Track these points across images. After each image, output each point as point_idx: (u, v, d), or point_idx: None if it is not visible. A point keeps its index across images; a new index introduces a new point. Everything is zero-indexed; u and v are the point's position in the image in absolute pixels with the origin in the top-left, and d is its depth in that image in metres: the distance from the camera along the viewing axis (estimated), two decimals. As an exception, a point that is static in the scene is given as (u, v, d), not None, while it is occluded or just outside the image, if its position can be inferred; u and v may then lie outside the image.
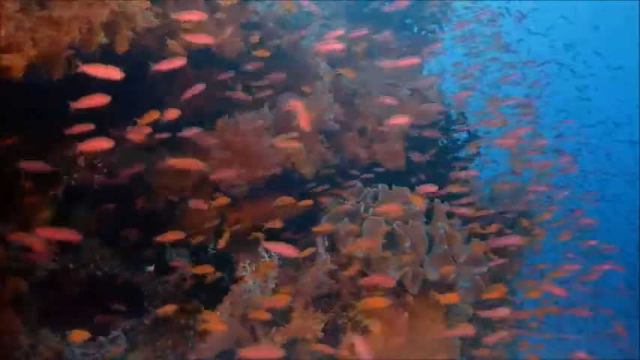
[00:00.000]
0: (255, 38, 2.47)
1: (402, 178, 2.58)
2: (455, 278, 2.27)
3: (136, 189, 2.20)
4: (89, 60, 1.92)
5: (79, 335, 1.55)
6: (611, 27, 15.70)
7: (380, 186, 2.48)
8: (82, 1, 1.70)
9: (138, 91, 2.24)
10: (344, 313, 2.16)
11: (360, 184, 2.50)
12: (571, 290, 2.79)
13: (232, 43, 2.52)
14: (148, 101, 2.06)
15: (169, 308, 1.75)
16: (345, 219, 2.27)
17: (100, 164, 2.16)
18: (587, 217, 3.66)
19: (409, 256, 2.19)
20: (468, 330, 2.01)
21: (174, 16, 1.99)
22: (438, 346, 2.27)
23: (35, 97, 1.97)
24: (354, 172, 2.50)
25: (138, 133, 1.90)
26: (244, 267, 1.78)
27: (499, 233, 2.72)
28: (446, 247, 2.29)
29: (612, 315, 4.96)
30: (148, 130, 1.94)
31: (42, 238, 1.63)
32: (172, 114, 1.84)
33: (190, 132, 2.12)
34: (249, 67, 2.50)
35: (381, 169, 2.70)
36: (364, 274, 2.19)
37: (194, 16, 2.02)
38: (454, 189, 2.61)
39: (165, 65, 1.89)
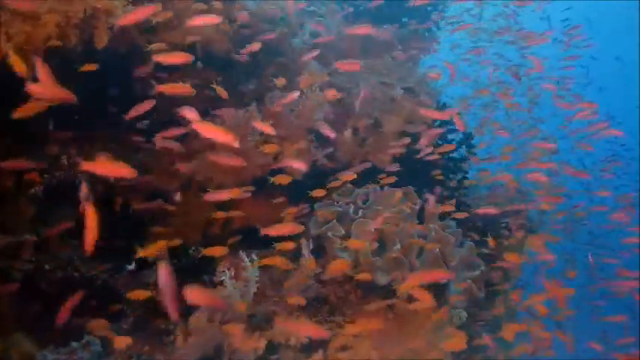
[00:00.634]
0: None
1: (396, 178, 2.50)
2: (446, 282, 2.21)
3: (121, 188, 2.15)
4: (69, 55, 1.88)
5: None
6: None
7: (371, 187, 2.42)
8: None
9: (120, 89, 2.19)
10: (331, 318, 2.10)
11: (350, 185, 2.43)
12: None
13: (221, 40, 2.47)
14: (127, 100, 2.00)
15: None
16: (334, 221, 2.21)
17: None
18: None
19: (399, 259, 2.13)
20: (458, 344, 1.95)
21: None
22: (428, 351, 2.21)
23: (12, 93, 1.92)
24: (346, 172, 2.43)
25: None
26: (223, 271, 1.72)
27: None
28: (437, 250, 2.22)
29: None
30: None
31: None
32: (147, 105, 1.78)
33: (175, 131, 2.07)
34: (239, 62, 2.45)
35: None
36: (352, 278, 2.13)
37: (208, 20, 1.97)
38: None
39: (166, 58, 1.83)
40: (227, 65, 2.50)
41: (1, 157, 1.89)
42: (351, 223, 2.20)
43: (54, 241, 1.90)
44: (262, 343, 1.84)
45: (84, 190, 1.51)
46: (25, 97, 1.54)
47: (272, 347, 1.86)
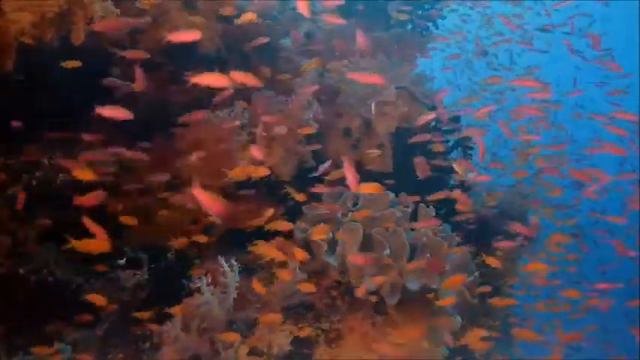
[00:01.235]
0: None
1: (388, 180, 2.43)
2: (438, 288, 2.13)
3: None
4: (45, 51, 1.83)
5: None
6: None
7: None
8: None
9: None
10: (317, 325, 2.03)
11: (339, 188, 2.36)
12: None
13: (211, 38, 2.41)
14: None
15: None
16: (322, 224, 2.14)
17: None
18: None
19: (388, 264, 2.05)
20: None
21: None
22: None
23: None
24: (335, 173, 2.36)
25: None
26: (199, 277, 1.65)
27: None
28: (429, 255, 2.14)
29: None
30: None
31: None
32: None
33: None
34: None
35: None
36: (339, 283, 2.06)
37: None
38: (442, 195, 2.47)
39: (179, 37, 1.75)
40: (217, 62, 2.44)
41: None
42: (340, 226, 2.13)
43: (30, 243, 1.84)
44: (244, 351, 1.77)
45: None
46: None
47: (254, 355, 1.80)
